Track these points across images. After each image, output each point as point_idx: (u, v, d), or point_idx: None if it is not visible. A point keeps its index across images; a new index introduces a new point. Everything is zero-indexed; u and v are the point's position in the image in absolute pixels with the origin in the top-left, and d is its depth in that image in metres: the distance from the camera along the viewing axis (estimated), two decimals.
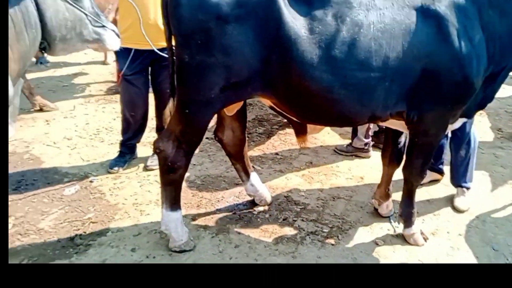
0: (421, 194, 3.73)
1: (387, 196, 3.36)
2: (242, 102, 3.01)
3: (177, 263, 2.82)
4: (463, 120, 3.03)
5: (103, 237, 3.03)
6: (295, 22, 2.41)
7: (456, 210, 3.52)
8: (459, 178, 3.62)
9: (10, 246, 2.86)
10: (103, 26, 2.73)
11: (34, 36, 2.39)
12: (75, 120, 4.90)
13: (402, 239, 3.16)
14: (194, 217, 3.32)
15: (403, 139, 3.22)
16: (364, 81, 2.51)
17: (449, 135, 3.64)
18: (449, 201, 3.65)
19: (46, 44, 2.53)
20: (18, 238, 2.97)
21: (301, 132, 3.09)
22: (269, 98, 2.71)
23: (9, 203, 3.31)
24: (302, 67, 2.44)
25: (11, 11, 2.25)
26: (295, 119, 2.89)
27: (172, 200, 2.88)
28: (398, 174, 3.80)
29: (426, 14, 2.52)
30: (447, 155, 3.81)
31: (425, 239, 3.16)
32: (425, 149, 2.91)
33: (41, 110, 5.04)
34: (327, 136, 4.78)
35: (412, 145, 2.92)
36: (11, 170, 3.76)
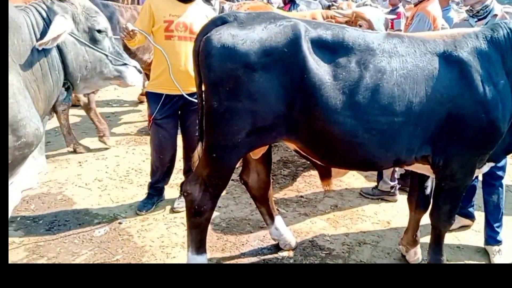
0: (451, 240, 3.65)
1: (414, 242, 3.29)
2: (267, 146, 3.07)
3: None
4: (491, 164, 3.00)
5: None
6: (319, 69, 2.49)
7: None
8: (493, 237, 3.49)
9: None
10: (125, 64, 2.84)
11: (57, 77, 2.51)
12: (106, 162, 5.05)
13: None
14: (219, 261, 3.32)
15: (430, 183, 3.19)
16: (388, 125, 2.54)
17: (480, 178, 3.58)
18: (480, 249, 3.56)
19: (70, 83, 2.65)
20: None
21: (325, 176, 3.10)
22: (294, 142, 2.76)
23: (42, 243, 3.41)
24: (326, 112, 2.50)
25: (38, 55, 2.38)
26: (319, 162, 2.91)
27: (197, 243, 2.91)
28: (426, 218, 3.74)
29: (448, 60, 2.58)
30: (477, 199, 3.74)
31: None
32: (452, 194, 2.87)
33: (74, 151, 5.24)
34: (352, 179, 4.77)
35: (439, 190, 2.89)
36: (45, 211, 3.89)
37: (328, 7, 7.42)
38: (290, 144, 2.84)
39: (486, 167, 2.98)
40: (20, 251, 3.31)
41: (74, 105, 6.98)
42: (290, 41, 2.48)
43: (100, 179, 4.61)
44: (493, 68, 2.60)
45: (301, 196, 4.39)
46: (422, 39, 2.68)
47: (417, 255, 3.31)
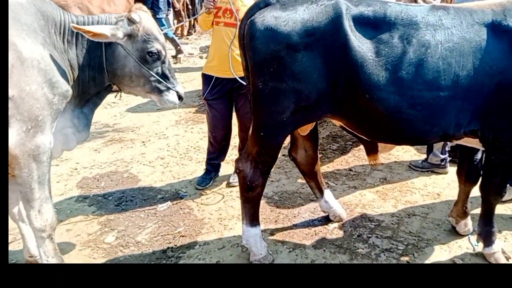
0: (503, 210, 3.50)
1: (464, 214, 3.19)
2: (314, 123, 3.06)
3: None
4: None
5: (192, 250, 3.21)
6: (361, 46, 2.43)
7: None
8: None
9: (113, 257, 3.15)
10: (168, 88, 2.97)
11: (94, 75, 2.77)
12: (167, 141, 5.24)
13: (482, 258, 2.98)
14: (273, 232, 3.40)
15: (479, 156, 3.05)
16: (433, 100, 2.45)
17: None
18: None
19: (115, 85, 2.94)
20: (120, 249, 3.25)
21: (372, 151, 3.06)
22: (339, 120, 2.73)
23: (112, 217, 3.65)
24: (369, 89, 2.45)
25: (78, 51, 2.70)
26: (365, 138, 2.87)
27: (251, 216, 2.98)
28: (477, 190, 3.60)
29: (497, 30, 2.42)
30: None
31: (507, 258, 2.95)
32: (502, 167, 2.74)
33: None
34: (401, 152, 4.64)
35: (489, 163, 2.76)
36: (113, 188, 4.14)
37: None
38: (335, 120, 2.81)
39: None
40: (94, 224, 3.56)
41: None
42: (332, 20, 2.43)
43: (162, 157, 4.80)
44: None
45: (350, 170, 4.35)
46: (469, 10, 2.51)
47: (467, 227, 3.21)
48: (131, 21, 2.75)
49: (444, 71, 2.41)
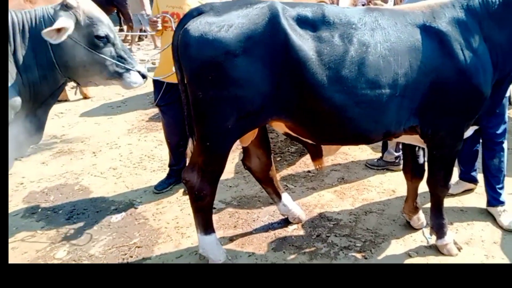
0: (454, 203, 3.67)
1: (416, 209, 3.32)
2: (256, 131, 3.04)
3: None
4: (474, 127, 3.02)
5: (148, 260, 3.16)
6: (303, 45, 2.44)
7: (506, 229, 3.32)
8: (496, 198, 3.48)
9: None
10: (127, 69, 2.91)
11: (44, 73, 2.68)
12: (119, 150, 5.12)
13: (436, 250, 3.12)
14: (232, 238, 3.39)
15: (422, 152, 3.20)
16: (376, 98, 2.53)
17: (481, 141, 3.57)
18: (483, 210, 3.57)
19: (71, 79, 2.85)
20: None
21: (316, 155, 3.09)
22: (284, 122, 2.71)
23: (63, 232, 3.52)
24: (313, 88, 2.47)
25: (26, 51, 2.59)
26: (310, 141, 2.90)
27: (204, 225, 2.95)
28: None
29: (428, 30, 2.57)
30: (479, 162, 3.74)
31: (459, 248, 3.11)
32: (445, 160, 2.90)
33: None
34: (358, 152, 4.78)
35: (432, 158, 2.92)
36: (63, 201, 3.99)
37: None
38: (279, 126, 2.80)
39: (470, 131, 3.00)
40: (43, 239, 3.41)
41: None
42: (269, 21, 2.42)
43: (114, 168, 4.69)
44: (471, 36, 2.60)
45: (309, 171, 4.42)
46: (402, 12, 2.66)
47: (420, 221, 3.34)
48: (68, 7, 2.64)
49: (385, 69, 2.50)
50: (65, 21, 2.55)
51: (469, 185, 3.83)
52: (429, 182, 3.02)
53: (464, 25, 2.59)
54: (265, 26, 2.42)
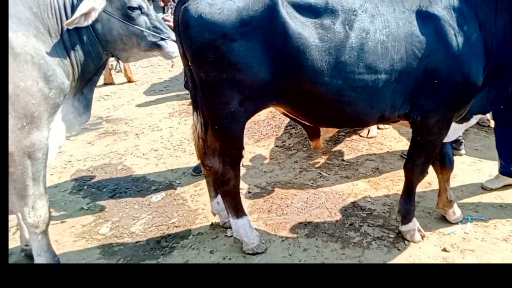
0: (493, 199, 3.51)
1: (450, 202, 3.19)
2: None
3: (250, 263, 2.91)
4: (479, 116, 2.94)
5: (185, 240, 3.20)
6: (303, 33, 2.40)
7: None
8: None
9: (107, 248, 3.13)
10: (163, 39, 2.90)
11: (88, 49, 2.69)
12: (160, 133, 5.20)
13: (473, 245, 2.99)
14: (266, 222, 3.39)
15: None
16: (372, 83, 2.50)
17: None
18: None
19: (111, 53, 2.84)
20: (114, 240, 3.23)
21: (314, 136, 3.08)
22: (283, 107, 2.71)
23: (107, 209, 3.62)
24: (312, 75, 2.44)
25: (67, 30, 2.57)
26: (308, 123, 2.88)
27: (234, 208, 2.95)
28: (468, 177, 3.64)
29: (424, 16, 2.52)
30: None
31: (422, 236, 3.05)
32: (427, 148, 2.84)
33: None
34: (394, 142, 4.64)
35: (415, 143, 2.86)
36: (107, 180, 4.10)
37: None
38: (278, 108, 2.78)
39: (474, 120, 2.93)
40: (89, 216, 3.53)
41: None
42: (268, 8, 2.37)
43: (155, 149, 4.77)
44: (466, 22, 2.51)
45: (343, 160, 4.34)
46: None
47: (456, 214, 3.21)
48: None
49: (382, 55, 2.47)
50: (89, 3, 2.53)
51: (510, 180, 3.64)
52: (406, 167, 2.97)
53: (460, 11, 2.51)
54: (263, 12, 2.38)
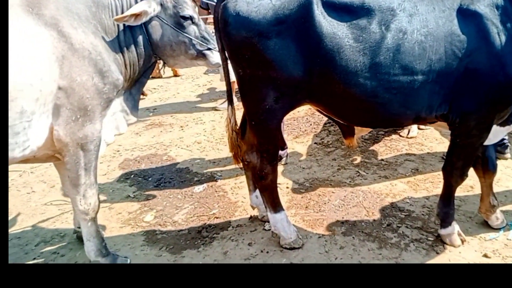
0: None
1: (493, 207, 3.05)
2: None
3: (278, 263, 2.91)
4: None
5: (225, 231, 3.25)
6: (337, 33, 2.35)
7: None
8: None
9: (151, 235, 3.23)
10: (209, 49, 2.96)
11: (141, 51, 2.77)
12: (204, 126, 5.29)
13: None
14: (303, 217, 3.38)
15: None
16: (408, 84, 2.41)
17: None
18: None
19: (159, 57, 2.92)
20: (158, 228, 3.32)
21: (348, 134, 3.00)
22: (317, 105, 2.68)
23: (151, 197, 3.73)
24: (346, 75, 2.39)
25: (123, 31, 2.67)
26: (342, 122, 2.83)
27: (272, 203, 2.96)
28: (508, 183, 3.49)
29: (465, 14, 2.39)
30: None
31: (463, 240, 2.91)
32: (467, 150, 2.70)
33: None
34: (435, 143, 4.49)
35: (454, 146, 2.73)
36: (153, 169, 4.22)
37: None
38: (312, 106, 2.75)
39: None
40: (134, 203, 3.65)
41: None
42: (303, 7, 2.34)
43: (199, 142, 4.86)
44: (510, 20, 2.36)
45: (382, 159, 4.24)
46: None
47: (499, 220, 3.07)
48: None
49: (419, 56, 2.37)
50: (141, 6, 2.62)
51: None
52: (445, 170, 2.83)
53: (503, 10, 2.36)
54: (298, 12, 2.36)
